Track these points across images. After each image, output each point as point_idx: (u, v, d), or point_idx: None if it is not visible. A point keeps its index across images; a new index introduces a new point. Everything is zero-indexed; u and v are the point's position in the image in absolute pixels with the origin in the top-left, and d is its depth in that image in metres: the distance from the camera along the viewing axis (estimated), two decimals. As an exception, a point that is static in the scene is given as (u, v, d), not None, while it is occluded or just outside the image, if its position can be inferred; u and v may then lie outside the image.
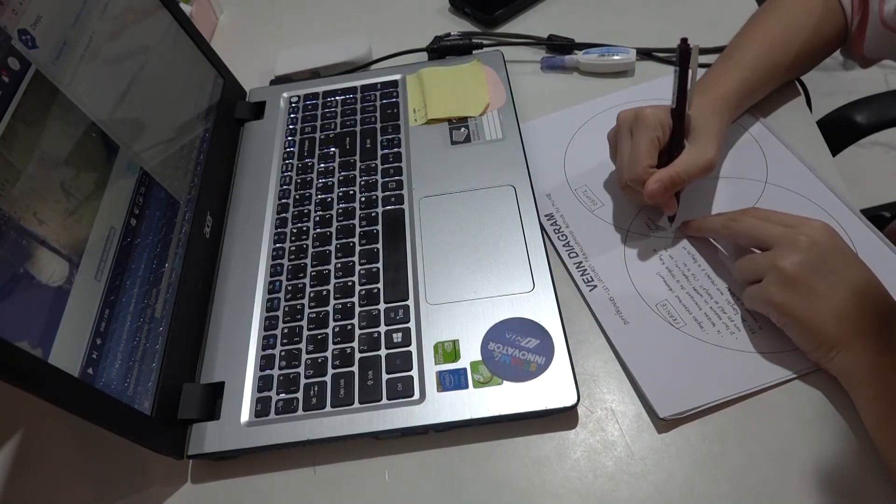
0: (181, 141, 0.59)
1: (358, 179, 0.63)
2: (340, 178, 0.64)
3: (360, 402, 0.49)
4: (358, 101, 0.70)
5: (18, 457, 0.53)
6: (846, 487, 0.42)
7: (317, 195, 0.63)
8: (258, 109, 0.72)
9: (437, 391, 0.48)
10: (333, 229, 0.60)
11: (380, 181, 0.62)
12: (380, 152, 0.65)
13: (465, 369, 0.49)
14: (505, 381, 0.48)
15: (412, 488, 0.47)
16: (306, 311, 0.54)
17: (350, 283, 0.55)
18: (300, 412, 0.49)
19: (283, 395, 0.50)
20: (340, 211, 0.61)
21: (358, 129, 0.68)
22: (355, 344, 0.52)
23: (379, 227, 0.59)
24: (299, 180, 0.64)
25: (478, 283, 0.53)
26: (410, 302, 0.53)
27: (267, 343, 0.53)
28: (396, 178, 0.62)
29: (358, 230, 0.59)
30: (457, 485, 0.46)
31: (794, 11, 0.60)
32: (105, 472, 0.51)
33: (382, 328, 0.52)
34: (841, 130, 0.74)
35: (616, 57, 0.69)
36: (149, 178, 0.53)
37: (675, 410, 0.46)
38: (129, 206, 0.50)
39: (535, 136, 0.65)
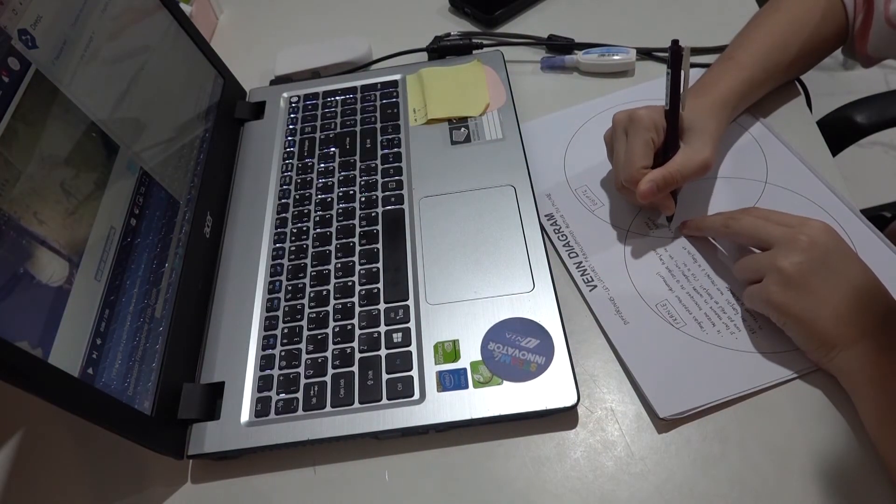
0: (181, 141, 0.59)
1: (358, 179, 0.63)
2: (340, 178, 0.64)
3: (360, 402, 0.49)
4: (358, 101, 0.70)
5: (18, 457, 0.53)
6: (846, 487, 0.42)
7: (317, 195, 0.63)
8: (258, 109, 0.72)
9: (437, 391, 0.48)
10: (333, 229, 0.60)
11: (380, 181, 0.62)
12: (380, 152, 0.65)
13: (465, 369, 0.49)
14: (505, 381, 0.48)
15: (412, 488, 0.47)
16: (306, 311, 0.54)
17: (350, 283, 0.55)
18: (300, 412, 0.49)
19: (283, 395, 0.50)
20: (340, 211, 0.61)
21: (358, 129, 0.68)
22: (355, 344, 0.52)
23: (379, 227, 0.59)
24: (299, 180, 0.64)
25: (478, 283, 0.53)
26: (410, 302, 0.53)
27: (267, 343, 0.53)
28: (396, 178, 0.62)
29: (358, 230, 0.59)
30: (457, 485, 0.46)
31: (794, 11, 0.60)
32: (105, 472, 0.51)
33: (382, 328, 0.52)
34: (841, 130, 0.74)
35: (616, 57, 0.69)
36: (149, 178, 0.53)
37: (675, 410, 0.46)
38: (129, 206, 0.50)
39: (535, 136, 0.65)
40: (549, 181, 0.62)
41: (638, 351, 0.50)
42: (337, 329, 0.53)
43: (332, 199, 0.62)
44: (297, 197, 0.63)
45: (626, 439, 0.46)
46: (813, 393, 0.46)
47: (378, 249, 0.57)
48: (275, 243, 0.60)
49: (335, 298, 0.55)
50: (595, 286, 0.54)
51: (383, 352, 0.51)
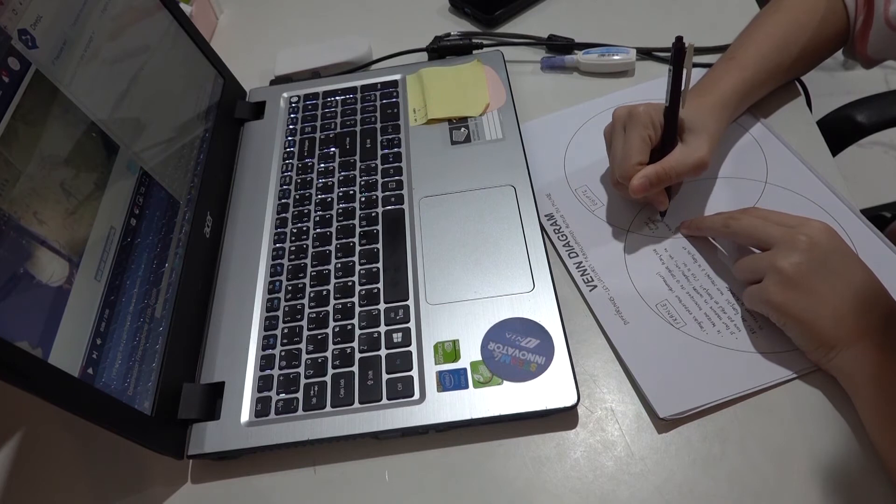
0: (181, 141, 0.59)
1: (358, 179, 0.63)
2: (340, 178, 0.64)
3: (360, 402, 0.49)
4: (358, 101, 0.70)
5: (18, 457, 0.53)
6: (846, 487, 0.42)
7: (317, 195, 0.63)
8: (258, 109, 0.72)
9: (438, 391, 0.48)
10: (333, 229, 0.60)
11: (380, 181, 0.62)
12: (380, 152, 0.65)
13: (465, 369, 0.49)
14: (505, 381, 0.48)
15: (412, 488, 0.47)
16: (306, 311, 0.54)
17: (350, 283, 0.55)
18: (300, 412, 0.49)
19: (283, 395, 0.50)
20: (340, 211, 0.61)
21: (358, 129, 0.68)
22: (355, 344, 0.52)
23: (379, 227, 0.59)
24: (299, 180, 0.64)
25: (478, 283, 0.53)
26: (410, 302, 0.53)
27: (267, 343, 0.53)
28: (396, 178, 0.62)
29: (358, 230, 0.59)
30: (457, 485, 0.46)
31: (795, 12, 0.60)
32: (105, 472, 0.51)
33: (382, 328, 0.52)
34: (841, 130, 0.74)
35: (616, 57, 0.69)
36: (149, 178, 0.53)
37: (674, 410, 0.46)
38: (129, 206, 0.50)
39: (535, 136, 0.65)
40: (549, 181, 0.62)
41: (638, 351, 0.50)
42: (337, 329, 0.53)
43: (332, 199, 0.62)
44: (297, 197, 0.63)
45: (626, 439, 0.46)
46: (813, 393, 0.46)
47: (378, 249, 0.57)
48: (275, 243, 0.60)
49: (335, 298, 0.55)
50: (595, 286, 0.54)
51: (383, 352, 0.51)
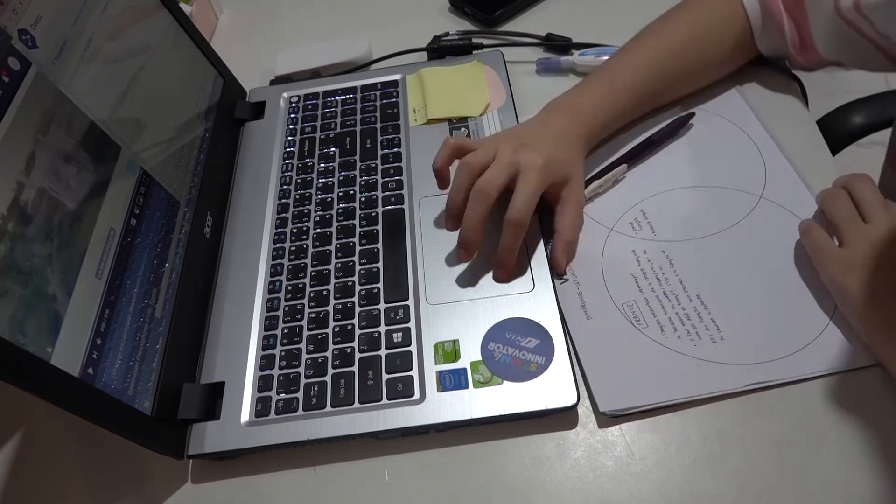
0: (181, 141, 0.59)
1: (358, 179, 0.63)
2: (340, 178, 0.64)
3: (360, 402, 0.49)
4: (358, 101, 0.70)
5: (18, 457, 0.53)
6: (847, 488, 0.42)
7: (317, 195, 0.63)
8: (258, 109, 0.72)
9: (438, 391, 0.48)
10: (333, 229, 0.60)
11: (380, 181, 0.62)
12: (380, 152, 0.65)
13: (465, 369, 0.49)
14: (505, 381, 0.48)
15: (412, 488, 0.47)
16: (306, 310, 0.54)
17: (350, 283, 0.55)
18: (300, 412, 0.49)
19: (283, 395, 0.50)
20: (340, 211, 0.61)
21: (358, 128, 0.68)
22: (355, 344, 0.52)
23: (379, 226, 0.59)
24: (299, 180, 0.64)
25: (478, 283, 0.53)
26: (410, 302, 0.53)
27: (267, 343, 0.53)
28: (396, 178, 0.62)
29: (358, 230, 0.59)
30: (457, 485, 0.46)
31: (686, 27, 0.60)
32: (105, 472, 0.51)
33: (382, 328, 0.52)
34: (841, 130, 0.74)
35: (612, 57, 0.69)
36: (149, 178, 0.53)
37: (617, 406, 0.46)
38: (129, 206, 0.50)
39: (535, 136, 0.65)
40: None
41: (594, 346, 0.50)
42: (337, 329, 0.53)
43: (333, 198, 0.62)
44: (298, 197, 0.63)
45: (626, 439, 0.46)
46: (813, 394, 0.46)
47: (378, 249, 0.57)
48: (275, 243, 0.60)
49: (335, 298, 0.55)
50: (566, 280, 0.54)
51: (383, 352, 0.51)
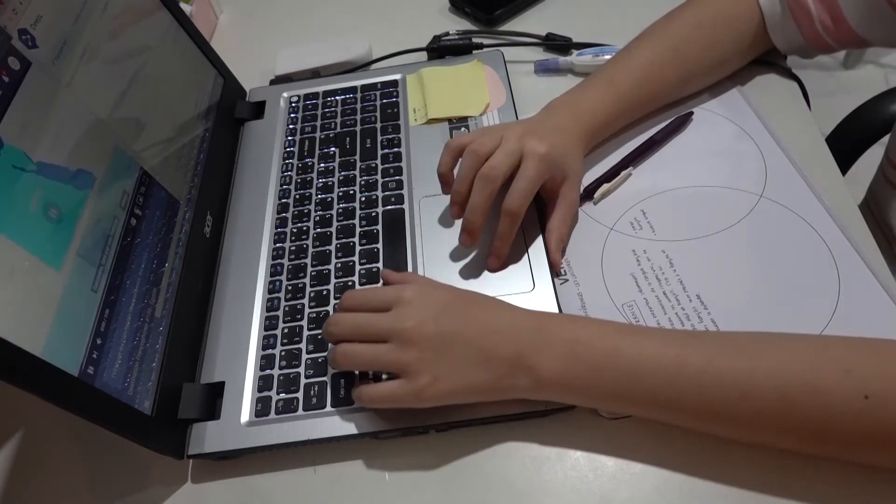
0: (181, 140, 0.59)
1: (358, 179, 0.63)
2: (340, 177, 0.64)
3: (361, 402, 0.49)
4: (358, 101, 0.70)
5: (18, 457, 0.53)
6: (847, 488, 0.42)
7: (317, 195, 0.63)
8: (258, 109, 0.72)
9: (438, 391, 0.48)
10: (333, 229, 0.60)
11: (380, 181, 0.62)
12: (380, 152, 0.65)
13: (465, 369, 0.49)
14: (505, 381, 0.48)
15: (412, 488, 0.47)
16: (306, 310, 0.54)
17: (350, 283, 0.55)
18: (300, 412, 0.49)
19: (283, 395, 0.50)
20: (340, 211, 0.61)
21: (358, 128, 0.68)
22: (355, 344, 0.52)
23: (379, 226, 0.59)
24: (299, 180, 0.64)
25: (478, 282, 0.53)
26: (410, 302, 0.53)
27: (267, 343, 0.53)
28: (396, 177, 0.62)
29: (358, 230, 0.59)
30: (457, 485, 0.46)
31: (682, 34, 0.60)
32: (105, 472, 0.51)
33: (382, 328, 0.52)
34: (878, 118, 0.72)
35: (609, 57, 0.69)
36: (149, 178, 0.53)
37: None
38: (128, 205, 0.50)
39: (535, 136, 0.65)
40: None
41: None
42: (337, 329, 0.53)
43: (333, 198, 0.62)
44: (298, 197, 0.63)
45: (626, 439, 0.46)
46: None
47: (378, 249, 0.57)
48: (275, 243, 0.60)
49: (335, 298, 0.55)
50: (567, 280, 0.54)
51: (383, 351, 0.51)
